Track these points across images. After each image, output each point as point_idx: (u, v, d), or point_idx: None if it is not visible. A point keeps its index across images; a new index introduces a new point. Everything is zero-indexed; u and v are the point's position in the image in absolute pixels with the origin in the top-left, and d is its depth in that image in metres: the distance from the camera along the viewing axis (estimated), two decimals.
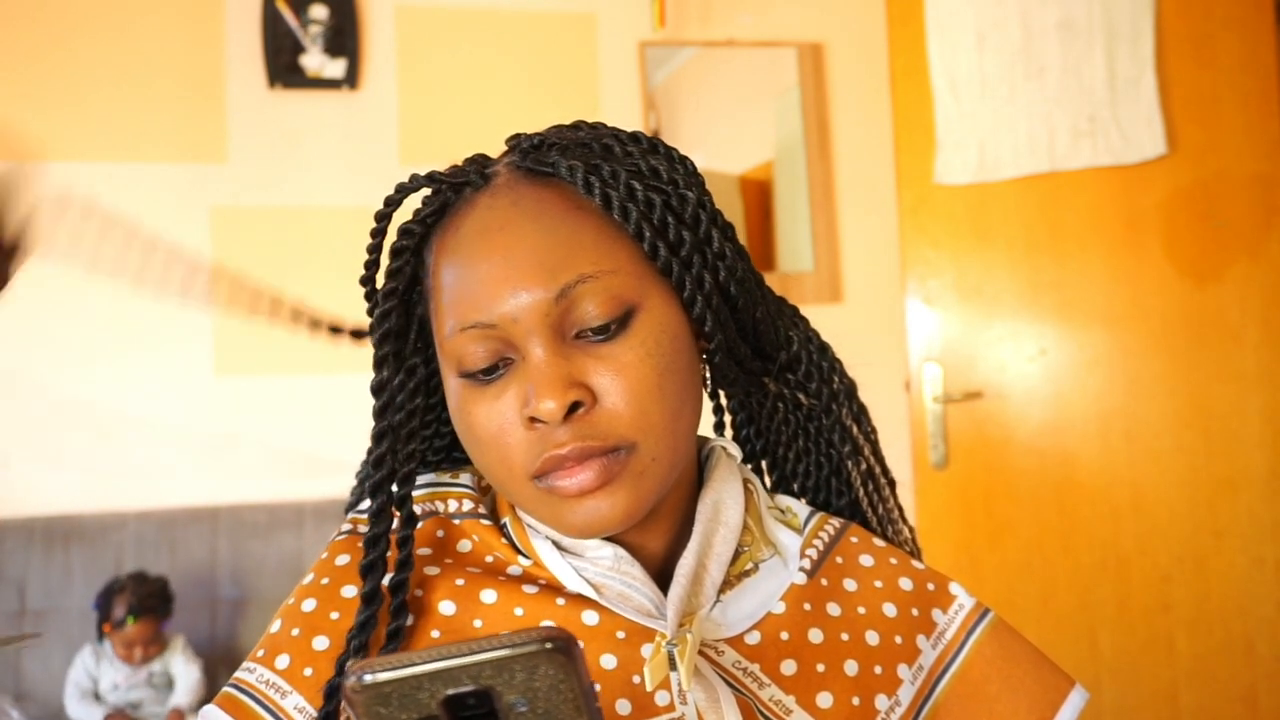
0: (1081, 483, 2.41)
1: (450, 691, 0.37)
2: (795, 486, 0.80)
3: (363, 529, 0.66)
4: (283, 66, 2.59)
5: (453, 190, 0.65)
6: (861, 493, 0.78)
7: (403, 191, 0.67)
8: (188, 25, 2.58)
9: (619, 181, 0.63)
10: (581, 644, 0.38)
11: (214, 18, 2.59)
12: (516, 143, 0.68)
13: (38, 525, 2.40)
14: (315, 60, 2.61)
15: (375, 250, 0.69)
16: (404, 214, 0.69)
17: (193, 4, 2.59)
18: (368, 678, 0.37)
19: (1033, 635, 0.75)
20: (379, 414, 0.64)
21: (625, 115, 2.74)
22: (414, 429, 0.69)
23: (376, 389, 0.64)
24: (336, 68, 2.62)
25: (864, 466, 0.78)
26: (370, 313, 0.67)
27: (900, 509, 0.81)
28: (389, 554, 0.64)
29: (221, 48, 2.60)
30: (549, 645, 0.37)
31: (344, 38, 2.62)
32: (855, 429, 0.78)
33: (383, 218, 0.68)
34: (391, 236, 0.67)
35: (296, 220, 2.60)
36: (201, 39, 2.59)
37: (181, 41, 2.58)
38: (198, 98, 2.58)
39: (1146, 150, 2.36)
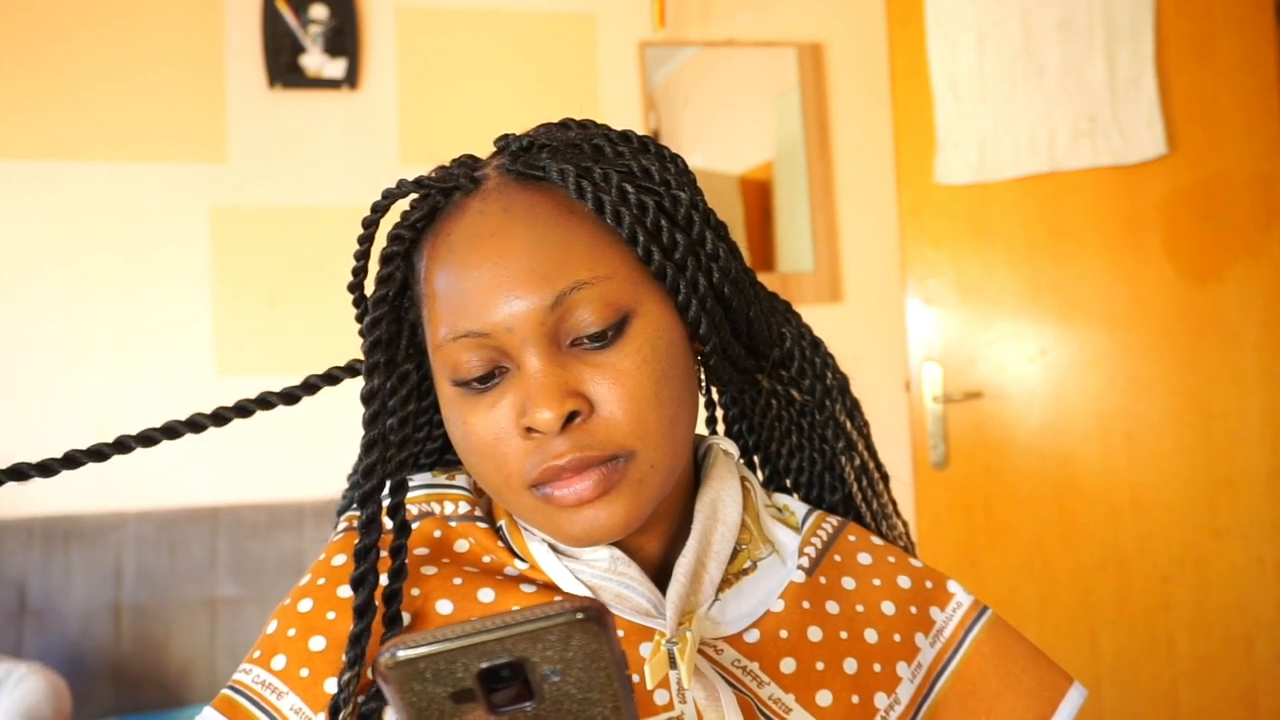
0: (1081, 483, 2.41)
1: (485, 664, 0.37)
2: (789, 482, 0.80)
3: None
4: (283, 66, 2.59)
5: (442, 194, 0.64)
6: (855, 488, 0.78)
7: (390, 197, 0.66)
8: (188, 25, 2.59)
9: (611, 185, 0.62)
10: (611, 614, 0.38)
11: (214, 18, 2.60)
12: (505, 144, 0.67)
13: (38, 525, 2.40)
14: (315, 60, 2.61)
15: (363, 257, 0.68)
16: (391, 218, 0.67)
17: (192, 4, 2.59)
18: (401, 653, 0.37)
19: (1033, 635, 0.75)
20: (369, 422, 0.63)
21: (625, 115, 2.74)
22: (407, 435, 0.68)
23: (367, 397, 0.63)
24: (336, 68, 2.62)
25: (857, 462, 0.78)
26: (359, 319, 0.66)
27: (894, 503, 0.81)
28: (382, 563, 0.63)
29: (221, 48, 2.60)
30: (580, 615, 0.37)
31: (344, 38, 2.62)
32: (849, 424, 0.78)
33: (370, 224, 0.67)
34: (380, 243, 0.66)
35: (296, 220, 2.60)
36: (201, 39, 2.59)
37: (181, 41, 2.58)
38: (198, 98, 2.58)
39: (1146, 150, 2.36)
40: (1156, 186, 2.38)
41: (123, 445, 0.64)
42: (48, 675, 1.97)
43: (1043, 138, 2.41)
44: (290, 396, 0.69)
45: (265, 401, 0.68)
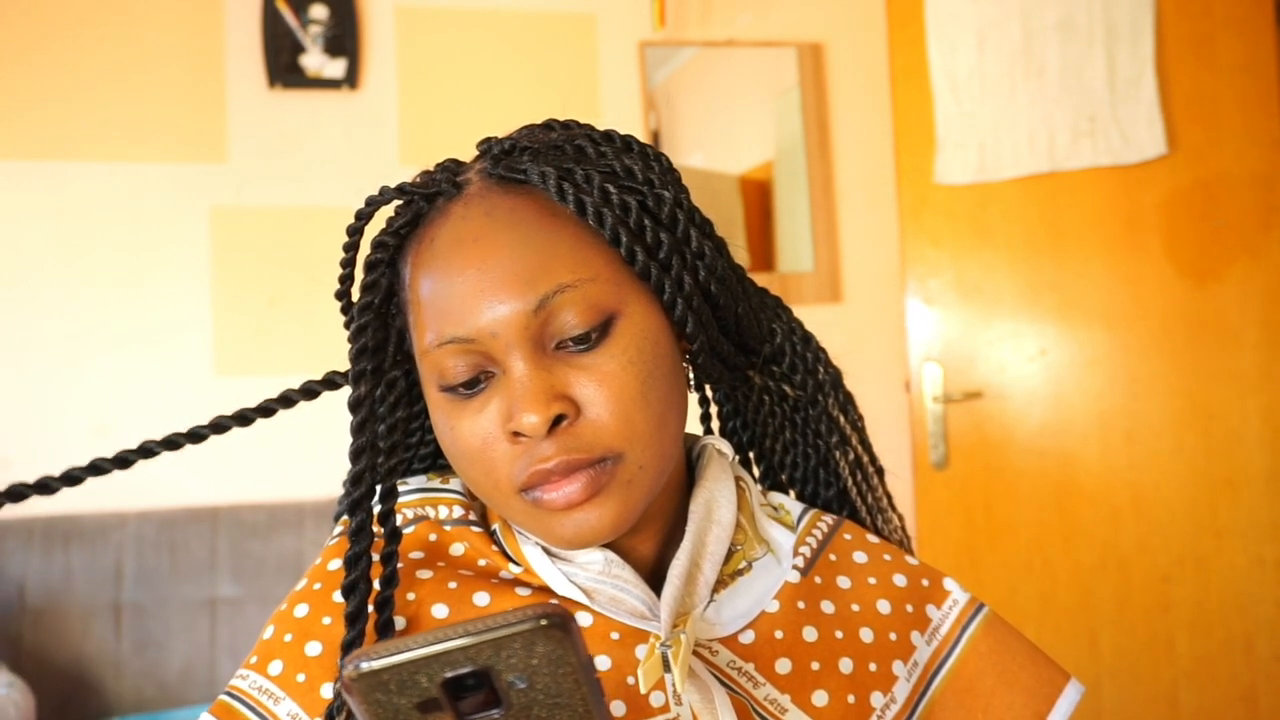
0: (1081, 483, 2.41)
1: (449, 674, 0.37)
2: (784, 478, 0.80)
3: None
4: (283, 66, 2.59)
5: (425, 200, 0.64)
6: (850, 482, 0.78)
7: (373, 204, 0.66)
8: (188, 25, 2.59)
9: (593, 186, 0.62)
10: (577, 619, 0.38)
11: (214, 18, 2.60)
12: (487, 147, 0.66)
13: (38, 525, 2.40)
14: (315, 60, 2.61)
15: (349, 264, 0.68)
16: (376, 225, 0.67)
17: (192, 4, 2.59)
18: (364, 665, 0.37)
19: (1033, 635, 0.75)
20: (357, 430, 0.63)
21: (625, 115, 2.74)
22: (396, 442, 0.67)
23: (355, 405, 0.63)
24: (336, 68, 2.62)
25: (851, 456, 0.78)
26: (347, 326, 0.66)
27: (889, 497, 0.81)
28: (374, 569, 0.63)
29: (221, 47, 2.60)
30: (544, 622, 0.37)
31: (344, 38, 2.62)
32: (842, 418, 0.77)
33: (354, 231, 0.67)
34: (365, 249, 0.66)
35: (296, 220, 2.60)
36: (201, 39, 2.59)
37: (181, 42, 2.58)
38: (197, 98, 2.58)
39: (1146, 150, 2.36)
40: (1156, 186, 2.38)
41: (124, 460, 0.65)
42: (20, 688, 2.04)
43: (1043, 138, 2.41)
44: (266, 410, 0.68)
45: (243, 418, 0.68)
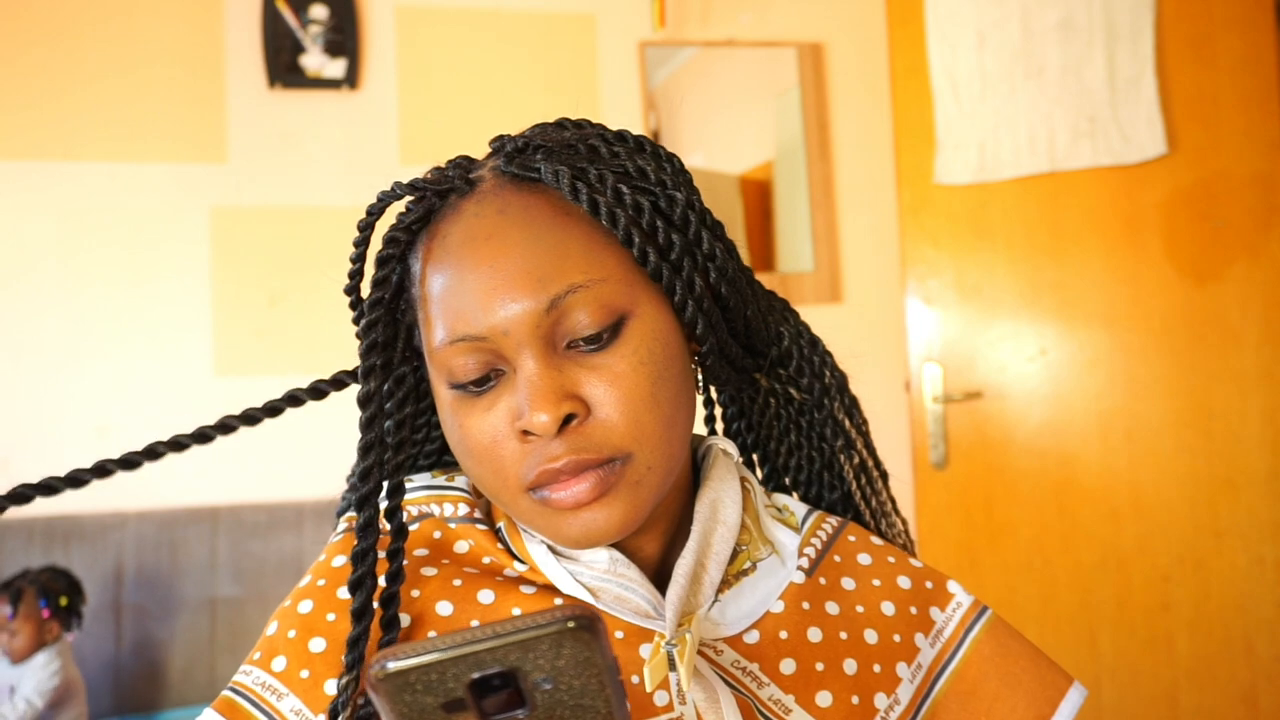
0: (1081, 483, 2.41)
1: (476, 675, 0.37)
2: (788, 481, 0.80)
3: None
4: (283, 66, 2.59)
5: (437, 196, 0.64)
6: (854, 486, 0.77)
7: (385, 200, 0.66)
8: (188, 26, 2.59)
9: (606, 186, 0.62)
10: (603, 620, 0.38)
11: (214, 18, 2.60)
12: (500, 145, 0.66)
13: (38, 525, 2.40)
14: (315, 60, 2.61)
15: (359, 259, 0.67)
16: (387, 220, 0.67)
17: (193, 4, 2.59)
18: (391, 665, 0.37)
19: (1033, 635, 0.75)
20: (365, 426, 0.63)
21: (625, 115, 2.74)
22: (404, 438, 0.67)
23: (364, 400, 0.62)
24: (336, 68, 2.62)
25: (856, 460, 0.78)
26: (356, 322, 0.66)
27: (893, 501, 0.81)
28: (379, 565, 0.63)
29: (221, 48, 2.60)
30: (572, 624, 0.37)
31: (344, 38, 2.62)
32: (847, 422, 0.77)
33: (366, 226, 0.66)
34: (375, 245, 0.66)
35: (296, 220, 2.60)
36: (201, 39, 2.59)
37: (182, 42, 2.58)
38: (197, 98, 2.58)
39: (1146, 150, 2.36)
40: (1156, 186, 2.38)
41: (129, 461, 0.64)
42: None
43: (1043, 138, 2.41)
44: (274, 410, 0.68)
45: (250, 418, 0.67)
